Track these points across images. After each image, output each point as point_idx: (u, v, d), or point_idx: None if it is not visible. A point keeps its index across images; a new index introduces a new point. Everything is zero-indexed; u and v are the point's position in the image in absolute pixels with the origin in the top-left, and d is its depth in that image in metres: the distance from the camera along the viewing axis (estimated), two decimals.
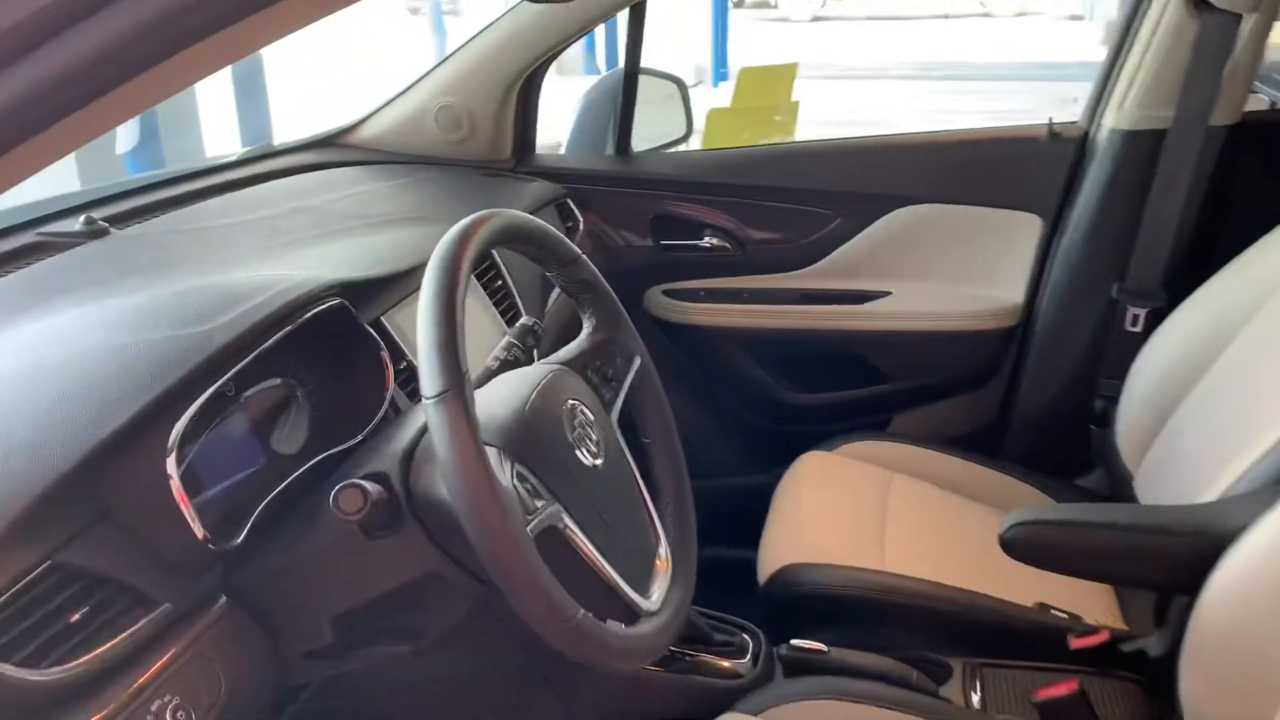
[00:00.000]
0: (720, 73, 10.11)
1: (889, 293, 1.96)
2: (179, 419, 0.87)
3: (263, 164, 1.81)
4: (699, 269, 2.02)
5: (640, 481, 1.08)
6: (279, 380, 1.05)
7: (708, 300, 2.01)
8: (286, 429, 1.07)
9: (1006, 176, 1.89)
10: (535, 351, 1.15)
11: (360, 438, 1.07)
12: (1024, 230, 1.89)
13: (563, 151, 2.14)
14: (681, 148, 2.18)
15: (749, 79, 5.39)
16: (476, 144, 1.94)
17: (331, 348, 1.10)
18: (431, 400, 0.82)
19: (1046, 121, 1.86)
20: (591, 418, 0.99)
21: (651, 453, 1.13)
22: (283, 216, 1.47)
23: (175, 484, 0.86)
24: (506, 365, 1.09)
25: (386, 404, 1.11)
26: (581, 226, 1.92)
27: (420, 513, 0.93)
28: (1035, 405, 1.91)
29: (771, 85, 5.43)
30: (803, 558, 1.51)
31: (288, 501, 0.99)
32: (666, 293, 2.03)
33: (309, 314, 1.06)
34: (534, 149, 2.03)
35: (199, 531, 0.87)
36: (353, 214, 1.52)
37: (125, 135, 3.31)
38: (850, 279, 1.97)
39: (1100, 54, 1.94)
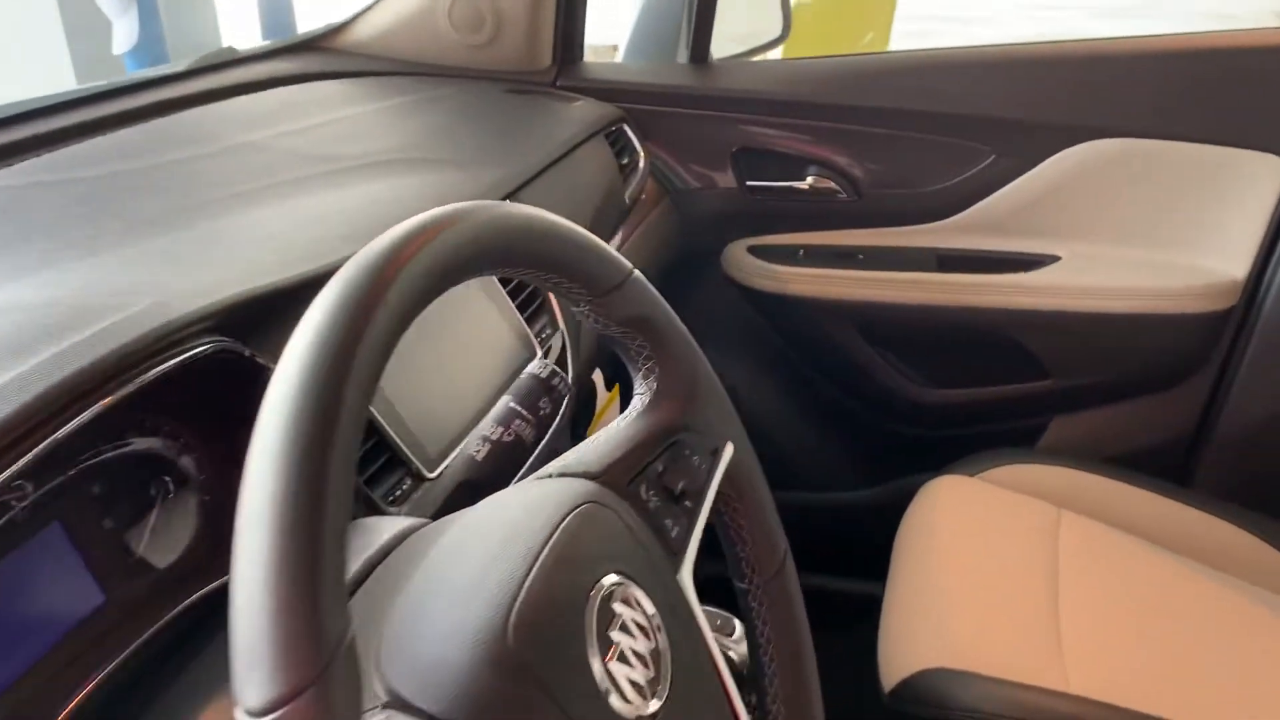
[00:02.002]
0: None
1: (1057, 258, 1.45)
2: None
3: (223, 75, 1.34)
4: (798, 219, 1.52)
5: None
6: (134, 446, 0.62)
7: (809, 262, 1.51)
8: (146, 536, 0.64)
9: (1235, 101, 1.34)
10: (555, 423, 0.69)
11: None
12: (1257, 178, 1.35)
13: (620, 59, 1.63)
14: (777, 54, 1.66)
15: None
16: (504, 49, 1.44)
17: (227, 395, 0.66)
18: None
19: None
20: (648, 610, 0.51)
21: (768, 671, 0.65)
22: (219, 156, 1.01)
23: None
24: (495, 461, 0.62)
25: None
26: (642, 162, 1.43)
27: None
28: (1251, 417, 1.40)
29: None
30: (949, 660, 1.06)
31: (140, 682, 0.56)
32: (754, 250, 1.54)
33: (165, 363, 0.60)
34: (581, 55, 1.53)
35: None
36: (319, 154, 1.04)
37: (123, 33, 2.85)
38: (1006, 238, 1.46)
39: None
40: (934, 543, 1.23)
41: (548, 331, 1.02)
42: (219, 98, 1.24)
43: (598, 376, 1.19)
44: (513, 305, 0.97)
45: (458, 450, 0.63)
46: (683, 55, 1.53)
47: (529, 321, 1.00)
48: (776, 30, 1.66)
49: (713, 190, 1.51)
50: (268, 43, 1.45)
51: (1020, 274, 1.43)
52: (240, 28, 3.71)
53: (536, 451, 0.75)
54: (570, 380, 0.65)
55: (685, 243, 1.52)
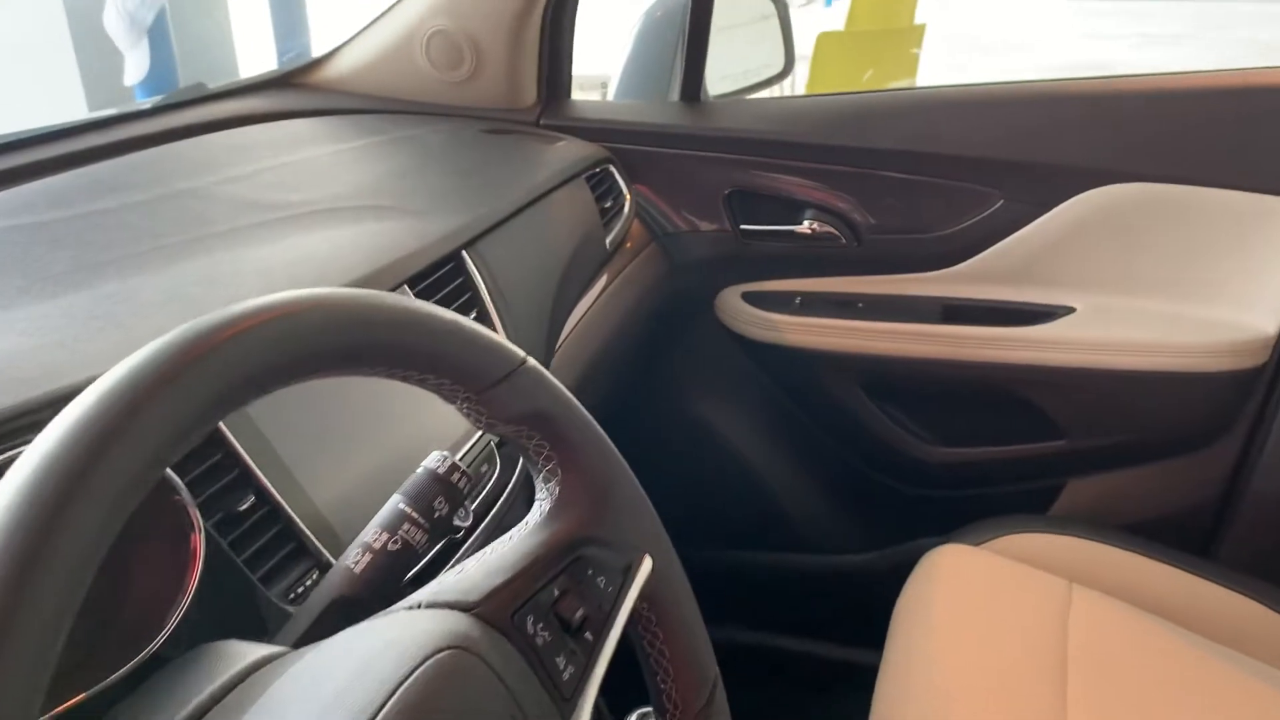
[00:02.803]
0: None
1: (1072, 310, 1.35)
2: None
3: (188, 112, 1.29)
4: (795, 265, 1.44)
5: None
6: None
7: (806, 310, 1.42)
8: None
9: (1265, 144, 1.24)
10: (454, 524, 0.61)
11: (126, 670, 0.56)
12: None
13: (611, 96, 1.56)
14: (778, 90, 1.58)
15: None
16: (484, 86, 1.37)
17: None
18: None
19: None
20: None
21: None
22: (151, 205, 0.95)
23: None
24: (378, 574, 0.54)
25: (182, 608, 0.59)
26: (627, 204, 1.35)
27: None
28: None
29: (892, 4, 4.68)
30: None
31: None
32: (748, 297, 1.45)
33: None
34: (568, 92, 1.46)
35: None
36: (263, 201, 0.97)
37: (134, 65, 2.83)
38: (1016, 288, 1.36)
39: None
40: (933, 618, 1.13)
41: None
42: (177, 137, 1.18)
43: None
44: None
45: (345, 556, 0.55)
46: (675, 93, 1.46)
47: None
48: (778, 65, 1.58)
49: (705, 234, 1.43)
50: (239, 79, 1.40)
51: (1032, 327, 1.33)
52: (258, 53, 3.70)
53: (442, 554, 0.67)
54: (468, 484, 0.56)
55: (676, 288, 1.44)
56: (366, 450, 0.76)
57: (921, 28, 4.47)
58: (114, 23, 2.86)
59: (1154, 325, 1.30)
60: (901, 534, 1.50)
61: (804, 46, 4.14)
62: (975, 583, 1.17)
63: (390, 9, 1.38)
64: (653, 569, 0.53)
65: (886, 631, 1.16)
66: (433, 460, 0.56)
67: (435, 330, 0.45)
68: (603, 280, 1.27)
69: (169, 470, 0.61)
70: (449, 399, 0.47)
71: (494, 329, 0.96)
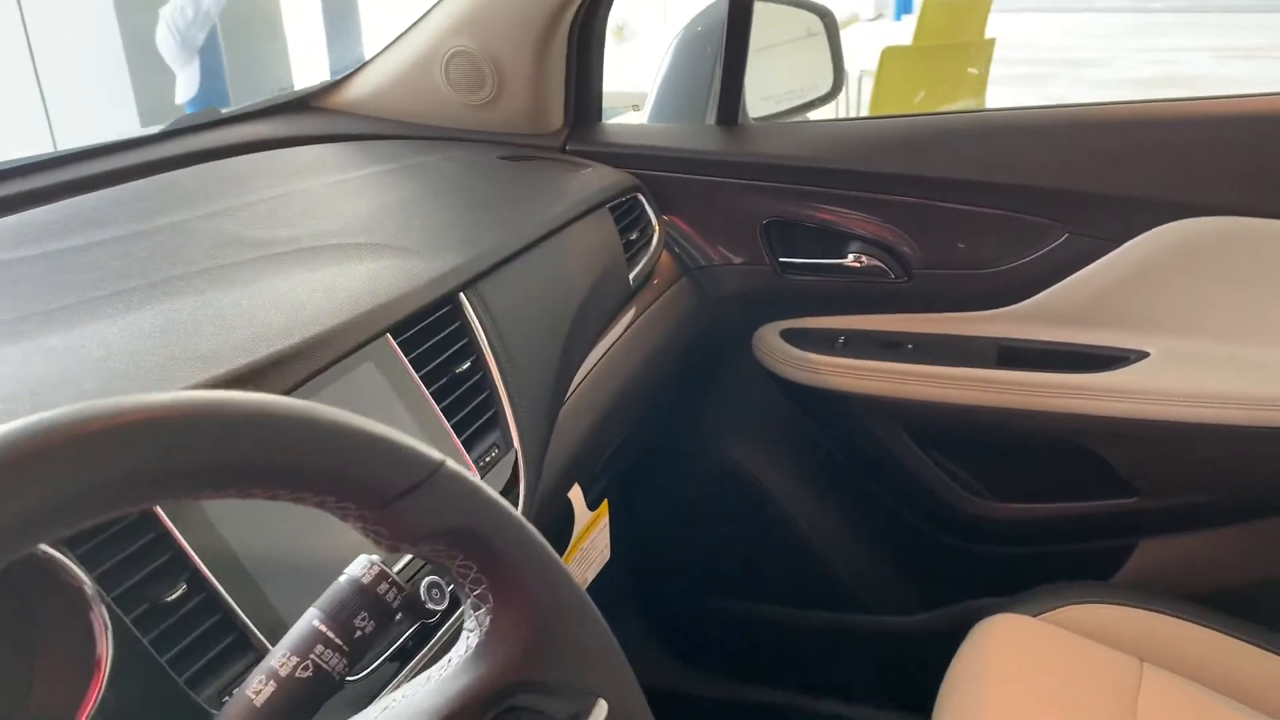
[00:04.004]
0: (906, 2, 9.03)
1: (1145, 354, 1.22)
2: None
3: (199, 138, 1.23)
4: (838, 302, 1.33)
5: None
6: None
7: (850, 351, 1.31)
8: None
9: None
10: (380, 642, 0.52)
11: None
12: None
13: (645, 119, 1.47)
14: (825, 113, 1.48)
15: (935, 9, 4.50)
16: (507, 109, 1.30)
17: None
18: None
19: None
20: None
21: None
22: (125, 242, 0.88)
23: None
24: (283, 706, 0.45)
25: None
26: (655, 237, 1.26)
27: None
28: None
29: (962, 17, 4.53)
30: None
31: None
32: (787, 335, 1.35)
33: None
34: (599, 115, 1.38)
35: None
36: (248, 238, 0.90)
37: (185, 83, 2.83)
38: (1082, 330, 1.24)
39: None
40: (987, 696, 1.02)
41: (496, 451, 0.85)
42: (181, 165, 1.12)
43: (576, 495, 1.01)
44: (439, 413, 0.81)
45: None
46: (712, 115, 1.36)
47: (470, 442, 0.83)
48: (825, 86, 1.47)
49: (740, 267, 1.33)
50: (255, 102, 1.34)
51: (1100, 373, 1.21)
52: (316, 70, 3.69)
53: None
54: (399, 600, 0.47)
55: (709, 325, 1.34)
56: (325, 524, 0.68)
57: (991, 42, 4.32)
58: (166, 41, 2.86)
59: (1237, 373, 1.17)
60: (953, 594, 1.38)
61: (872, 61, 4.03)
62: (1034, 657, 1.06)
63: (411, 28, 1.31)
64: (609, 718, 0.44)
65: (933, 703, 1.05)
66: (357, 567, 0.47)
67: (323, 436, 0.36)
68: (627, 317, 1.18)
69: (71, 562, 0.53)
70: (343, 518, 0.38)
71: (490, 378, 0.88)
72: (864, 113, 4.28)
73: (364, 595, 0.47)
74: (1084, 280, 1.21)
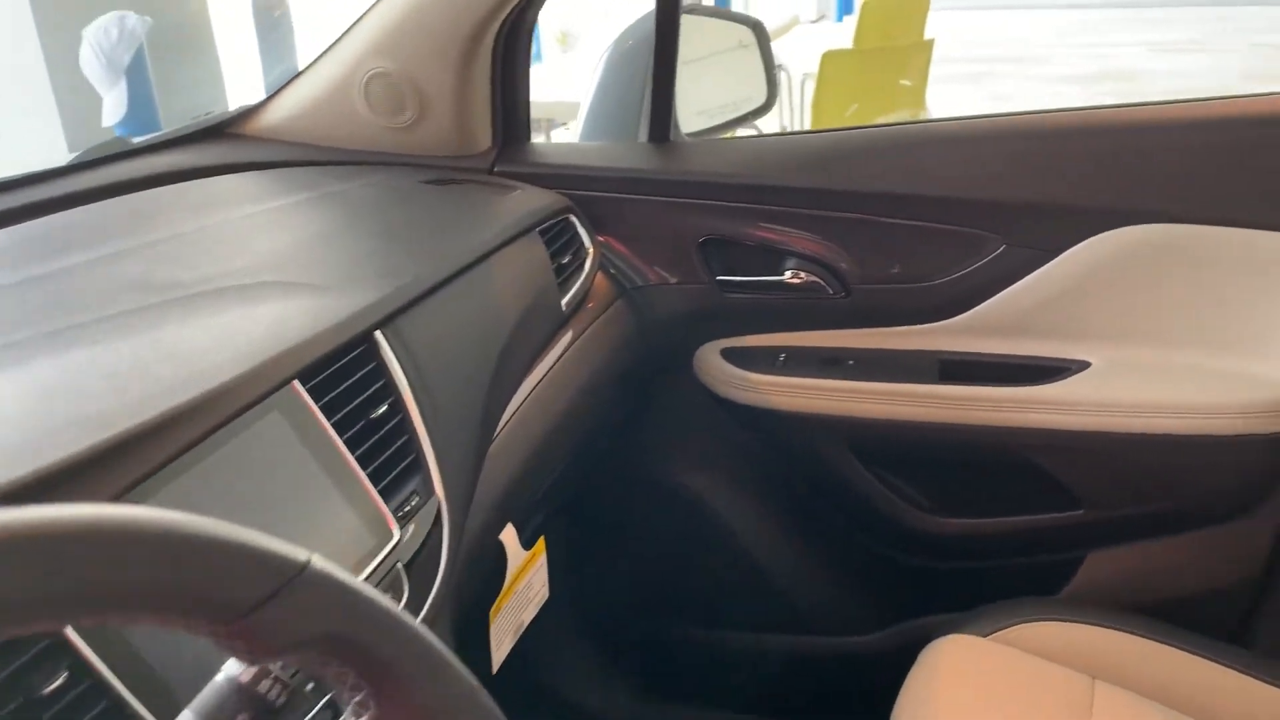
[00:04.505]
0: (847, 3, 9.07)
1: (1087, 364, 1.21)
2: None
3: (106, 171, 1.17)
4: (778, 319, 1.30)
5: None
6: None
7: (791, 369, 1.29)
8: None
9: None
10: None
11: None
12: None
13: (576, 138, 1.44)
14: (770, 121, 1.45)
15: (873, 11, 4.51)
16: (431, 131, 1.25)
17: None
18: None
19: None
20: None
21: None
22: (22, 288, 0.83)
23: None
24: None
25: None
26: (590, 258, 1.23)
27: None
28: None
29: (900, 19, 4.55)
30: None
31: None
32: (728, 354, 1.32)
33: None
34: (527, 135, 1.34)
35: None
36: (142, 281, 0.85)
37: (111, 105, 2.74)
38: (1022, 341, 1.23)
39: None
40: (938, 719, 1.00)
41: (417, 498, 0.81)
42: (83, 201, 1.07)
43: (509, 535, 0.97)
44: (353, 463, 0.76)
45: None
46: (645, 133, 1.33)
47: (389, 490, 0.79)
48: (759, 99, 1.45)
49: (678, 287, 1.30)
50: (166, 131, 1.29)
51: (1041, 385, 1.19)
52: (251, 85, 3.61)
53: None
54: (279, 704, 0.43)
55: (649, 347, 1.31)
56: None
57: (930, 43, 4.34)
58: (90, 62, 2.78)
59: (1180, 382, 1.16)
60: (905, 612, 1.36)
61: (814, 65, 4.03)
62: (985, 678, 1.04)
63: (329, 50, 1.26)
64: None
65: None
66: (234, 663, 0.43)
67: (157, 545, 0.32)
68: (562, 343, 1.15)
69: None
70: (190, 634, 0.35)
71: (409, 421, 0.84)
72: (808, 116, 4.28)
73: (243, 694, 0.43)
74: (1023, 291, 1.20)
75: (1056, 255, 1.17)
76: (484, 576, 0.96)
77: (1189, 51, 7.75)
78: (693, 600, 1.49)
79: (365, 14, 1.23)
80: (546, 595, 1.10)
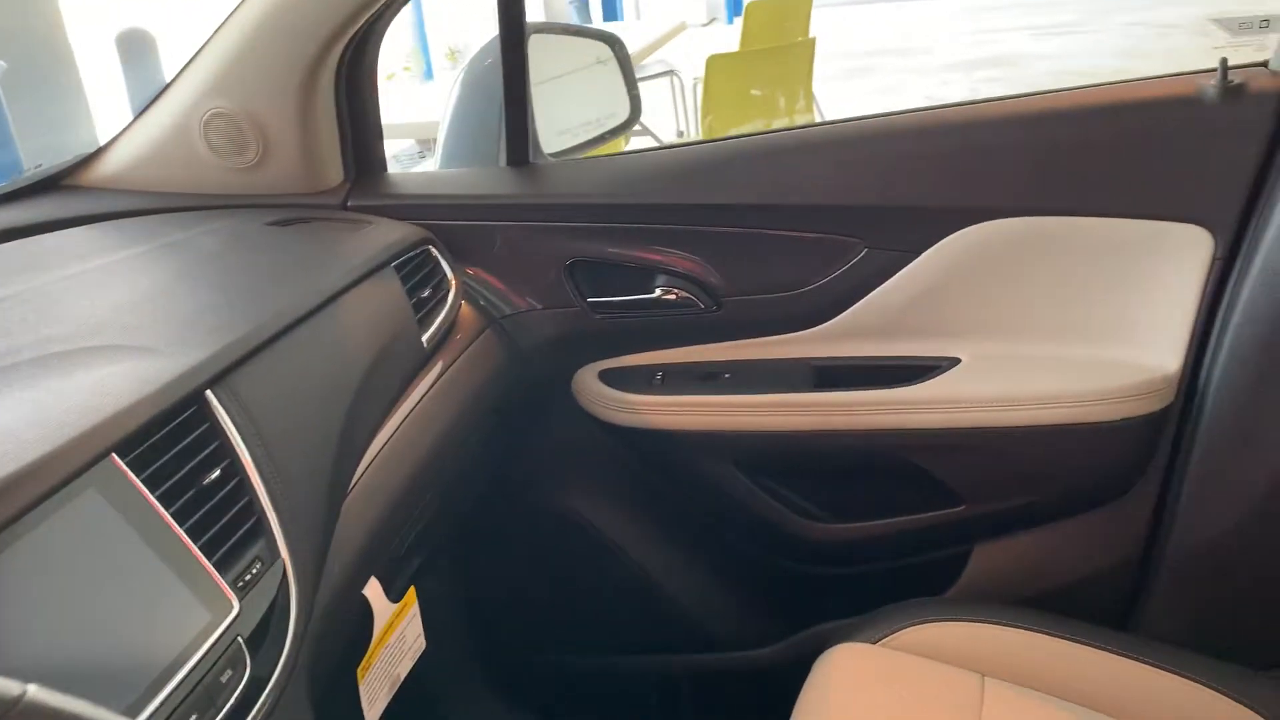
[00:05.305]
0: (738, 5, 9.15)
1: (957, 360, 1.21)
2: None
3: None
4: (653, 336, 1.29)
5: None
6: None
7: (669, 388, 1.27)
8: None
9: (1148, 166, 1.12)
10: None
11: None
12: (1183, 254, 1.13)
13: (435, 166, 1.41)
14: (654, 138, 1.43)
15: (757, 12, 4.55)
16: (278, 170, 1.21)
17: None
18: None
19: (1217, 65, 1.09)
20: None
21: None
22: None
23: None
24: None
25: None
26: (452, 289, 1.19)
27: None
28: (1201, 537, 1.16)
29: (783, 19, 4.59)
30: None
31: None
32: (606, 376, 1.30)
33: None
34: (383, 166, 1.30)
35: None
36: None
37: None
38: (892, 342, 1.23)
39: None
40: None
41: (259, 565, 0.77)
42: None
43: (374, 590, 0.94)
44: (182, 536, 0.72)
45: None
46: (503, 157, 1.30)
47: (225, 561, 0.75)
48: (622, 114, 1.43)
49: (549, 312, 1.28)
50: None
51: (914, 385, 1.19)
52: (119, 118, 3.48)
53: None
54: None
55: (524, 375, 1.28)
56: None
57: (812, 42, 4.38)
58: None
59: (1047, 373, 1.17)
60: (802, 620, 1.35)
61: (702, 69, 4.04)
62: (877, 685, 1.03)
63: (164, 91, 1.21)
64: None
65: None
66: None
67: None
68: (426, 382, 1.11)
69: None
70: None
71: (248, 483, 0.79)
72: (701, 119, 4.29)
73: None
74: (889, 293, 1.20)
75: (917, 255, 1.18)
76: (349, 635, 0.92)
77: (1067, 34, 7.98)
78: (591, 628, 1.47)
79: (199, 52, 1.18)
80: (424, 645, 1.06)
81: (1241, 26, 6.17)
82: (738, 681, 1.41)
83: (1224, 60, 1.08)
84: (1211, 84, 1.08)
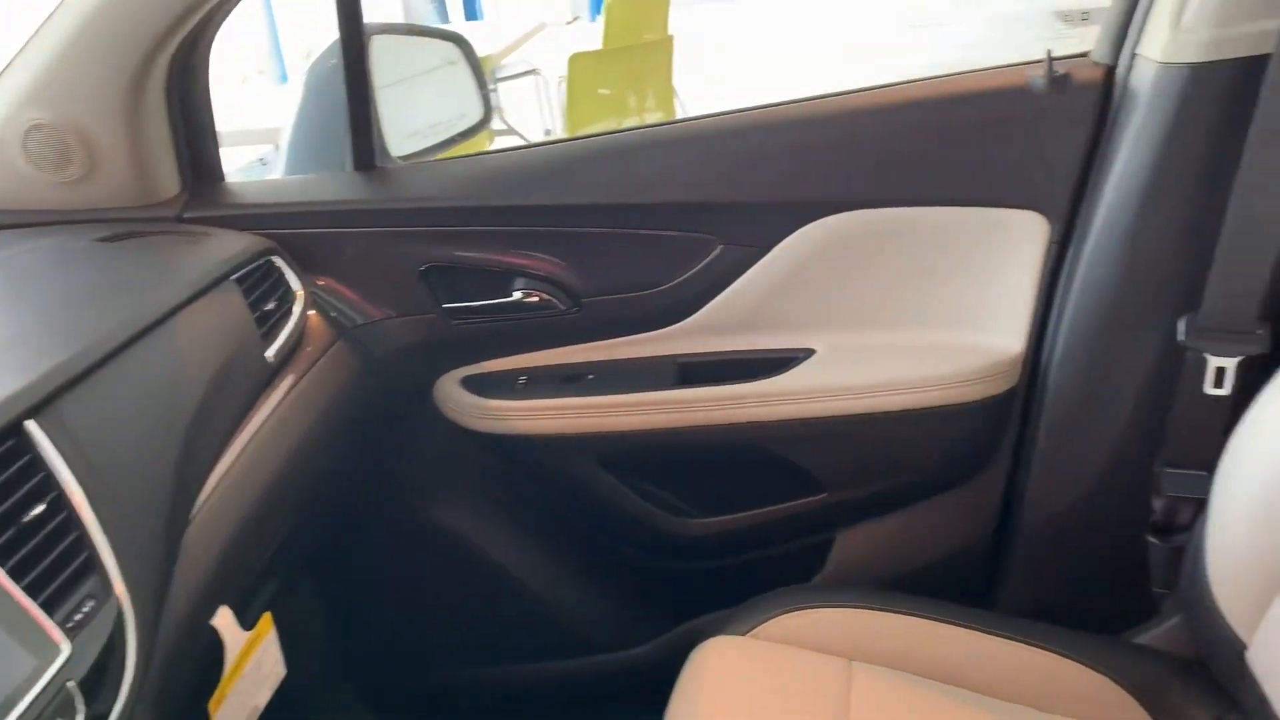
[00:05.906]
0: (599, 3, 9.16)
1: (812, 351, 1.23)
2: None
3: None
4: (513, 340, 1.27)
5: None
6: None
7: (532, 392, 1.25)
8: None
9: (984, 155, 1.16)
10: None
11: None
12: (1021, 239, 1.17)
13: (279, 174, 1.36)
14: (521, 138, 1.41)
15: (616, 10, 4.55)
16: (106, 183, 1.14)
17: None
18: None
19: (1043, 57, 1.13)
20: None
21: None
22: None
23: None
24: None
25: None
26: (299, 300, 1.15)
27: None
28: (1050, 512, 1.21)
29: (642, 16, 4.60)
30: None
31: None
32: (468, 383, 1.28)
33: None
34: (220, 175, 1.25)
35: None
36: None
37: None
38: (751, 336, 1.24)
39: None
40: None
41: (92, 603, 0.73)
42: None
43: (225, 618, 0.90)
44: (7, 582, 0.68)
45: None
46: (349, 162, 1.26)
47: (54, 600, 0.70)
48: (475, 116, 1.40)
49: (405, 320, 1.24)
50: None
51: (771, 379, 1.21)
52: None
53: None
54: None
55: (380, 385, 1.25)
56: None
57: (670, 39, 4.42)
58: None
59: (898, 360, 1.20)
60: (678, 616, 1.36)
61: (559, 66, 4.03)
62: (747, 677, 1.04)
63: None
64: None
65: None
66: None
67: None
68: (274, 398, 1.07)
69: None
70: None
71: (76, 517, 0.75)
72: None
73: None
74: (743, 288, 1.21)
75: (769, 250, 1.19)
76: (199, 667, 0.88)
77: (930, 27, 8.21)
78: (468, 641, 1.44)
79: (13, 60, 1.11)
80: (283, 672, 1.02)
81: (1065, 20, 6.46)
82: (617, 682, 1.41)
83: (1049, 52, 1.12)
84: (1040, 75, 1.12)
